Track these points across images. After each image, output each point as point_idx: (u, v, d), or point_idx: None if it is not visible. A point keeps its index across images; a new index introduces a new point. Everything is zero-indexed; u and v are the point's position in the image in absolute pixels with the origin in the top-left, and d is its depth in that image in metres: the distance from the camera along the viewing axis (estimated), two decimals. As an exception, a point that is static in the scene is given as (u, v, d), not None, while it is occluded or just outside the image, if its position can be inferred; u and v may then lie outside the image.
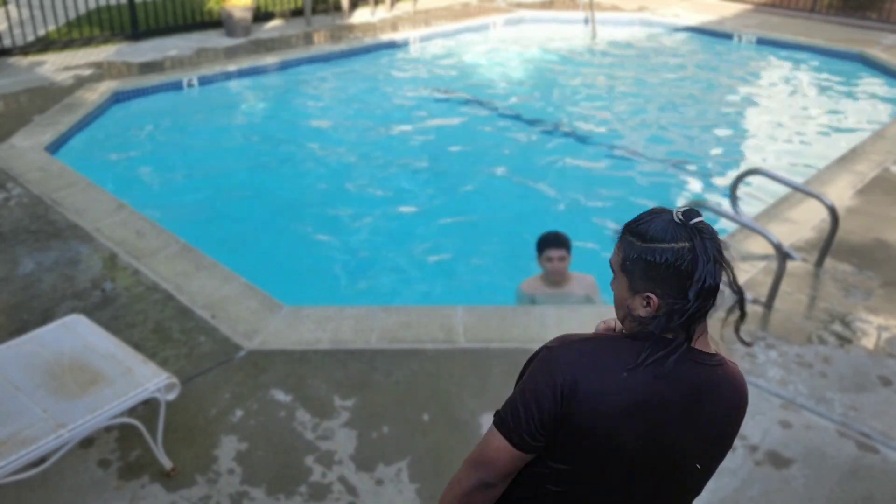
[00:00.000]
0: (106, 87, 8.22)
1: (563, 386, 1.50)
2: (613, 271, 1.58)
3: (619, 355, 1.51)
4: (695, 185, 7.03)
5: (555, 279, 4.54)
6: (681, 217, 1.48)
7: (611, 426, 1.50)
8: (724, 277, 1.49)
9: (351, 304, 4.52)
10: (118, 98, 8.19)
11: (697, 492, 1.69)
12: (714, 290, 1.46)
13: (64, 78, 8.55)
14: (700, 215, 1.50)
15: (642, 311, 1.51)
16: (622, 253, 1.54)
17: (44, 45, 9.73)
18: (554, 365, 1.53)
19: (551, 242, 4.51)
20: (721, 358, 1.58)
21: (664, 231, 1.48)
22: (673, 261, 1.46)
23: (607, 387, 1.49)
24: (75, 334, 3.30)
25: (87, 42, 10.04)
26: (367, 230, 6.08)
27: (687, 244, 1.46)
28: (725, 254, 1.49)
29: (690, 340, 1.49)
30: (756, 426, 3.47)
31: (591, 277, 4.67)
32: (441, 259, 5.71)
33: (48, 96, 7.90)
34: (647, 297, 1.50)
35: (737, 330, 1.58)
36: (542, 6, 13.54)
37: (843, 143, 7.62)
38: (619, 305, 1.59)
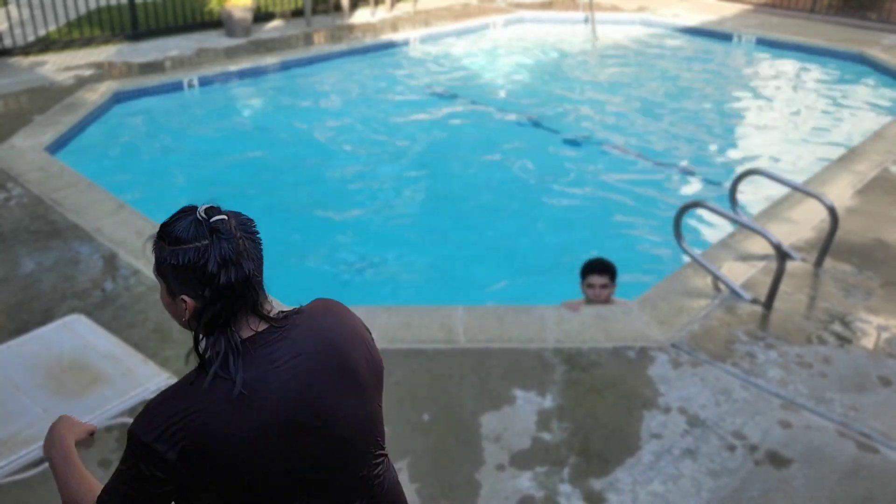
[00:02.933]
0: (106, 88, 8.22)
1: (172, 454, 1.39)
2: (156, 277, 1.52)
3: (194, 393, 1.43)
4: (695, 185, 7.03)
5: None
6: (203, 215, 1.45)
7: (245, 451, 1.42)
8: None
9: (351, 304, 4.52)
10: (118, 98, 8.19)
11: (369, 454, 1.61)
12: (233, 287, 1.42)
13: (64, 78, 8.56)
14: (221, 213, 1.46)
15: (186, 315, 1.46)
16: (155, 256, 1.48)
17: (44, 45, 9.73)
18: (145, 447, 1.41)
19: (595, 268, 4.44)
20: (285, 313, 1.54)
21: (187, 231, 1.43)
22: (196, 261, 1.42)
23: (222, 422, 1.41)
24: (75, 334, 3.30)
25: (88, 42, 10.04)
26: (367, 230, 6.08)
27: (206, 242, 1.42)
28: (249, 252, 1.45)
29: (233, 336, 1.44)
30: (756, 426, 3.47)
31: (633, 304, 4.56)
32: (441, 259, 5.71)
33: (48, 96, 7.91)
34: (182, 299, 1.45)
35: None
36: (542, 6, 13.54)
37: (843, 143, 7.62)
38: (169, 312, 1.53)
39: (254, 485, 1.46)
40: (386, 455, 1.69)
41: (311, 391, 1.49)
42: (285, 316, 1.53)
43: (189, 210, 1.48)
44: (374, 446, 1.63)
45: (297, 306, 1.60)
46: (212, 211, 1.46)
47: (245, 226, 1.49)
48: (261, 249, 1.51)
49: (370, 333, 1.70)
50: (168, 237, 1.45)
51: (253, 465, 1.44)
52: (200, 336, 1.46)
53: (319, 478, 1.54)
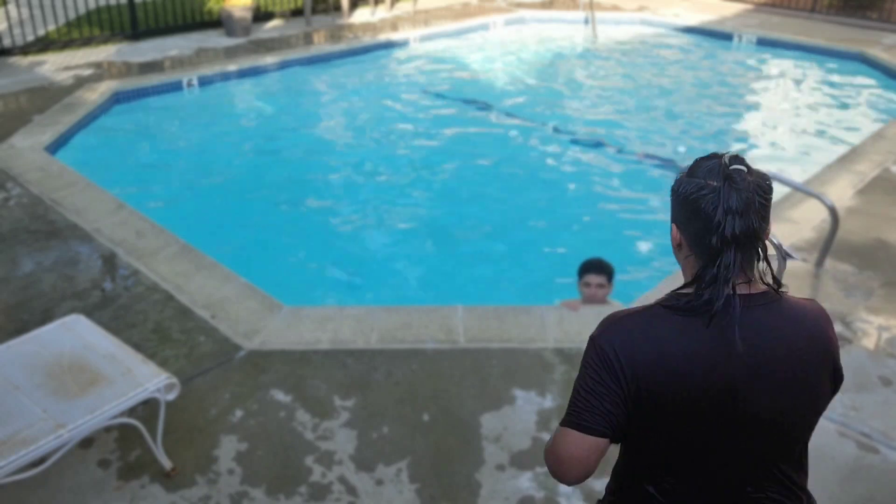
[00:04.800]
0: (106, 87, 8.22)
1: (620, 365, 1.50)
2: None
3: (666, 323, 1.51)
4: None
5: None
6: (725, 161, 1.48)
7: (680, 386, 1.48)
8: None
9: (351, 304, 4.52)
10: (118, 98, 8.19)
11: (790, 450, 1.60)
12: (739, 241, 1.43)
13: (64, 78, 8.55)
14: (743, 163, 1.48)
15: (673, 243, 1.58)
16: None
17: (44, 44, 9.73)
18: (605, 350, 1.53)
19: (592, 268, 4.42)
20: (773, 295, 1.54)
21: (706, 168, 1.49)
22: (694, 194, 1.47)
23: (664, 350, 1.49)
24: (75, 334, 3.30)
25: (87, 42, 10.04)
26: (367, 230, 6.08)
27: (714, 184, 1.46)
28: (758, 210, 1.46)
29: (728, 297, 1.45)
30: (756, 426, 3.47)
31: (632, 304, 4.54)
32: (441, 259, 5.71)
33: (48, 96, 7.90)
34: (672, 226, 1.56)
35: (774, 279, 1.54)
36: (543, 6, 13.54)
37: (843, 143, 7.62)
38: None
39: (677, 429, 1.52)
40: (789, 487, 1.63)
41: (779, 378, 1.51)
42: (763, 303, 1.52)
43: (720, 155, 1.52)
44: (779, 468, 1.60)
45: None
46: (735, 160, 1.48)
47: (761, 186, 1.48)
48: (768, 213, 1.50)
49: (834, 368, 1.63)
50: (691, 168, 1.54)
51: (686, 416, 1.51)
52: (693, 274, 1.51)
53: (721, 458, 1.56)
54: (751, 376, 1.49)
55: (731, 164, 1.47)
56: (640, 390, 1.49)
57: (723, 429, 1.52)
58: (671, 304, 1.52)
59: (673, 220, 1.56)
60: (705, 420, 1.51)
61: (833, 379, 1.62)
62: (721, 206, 1.44)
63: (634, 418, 1.53)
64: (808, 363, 1.54)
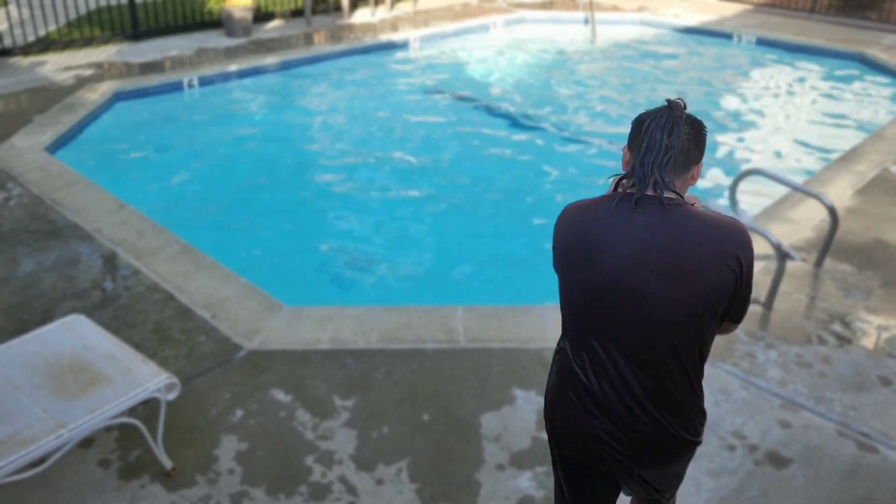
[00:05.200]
0: (106, 88, 8.22)
1: (555, 235, 2.01)
2: None
3: (602, 207, 1.94)
4: (694, 185, 7.03)
5: None
6: (674, 98, 1.93)
7: (588, 251, 1.91)
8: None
9: (351, 304, 4.52)
10: (119, 98, 8.20)
11: (672, 336, 1.89)
12: (660, 146, 1.83)
13: (64, 78, 8.56)
14: (682, 102, 1.92)
15: (624, 166, 2.00)
16: None
17: (44, 45, 9.74)
18: (561, 218, 2.03)
19: None
20: (684, 203, 1.89)
21: (657, 108, 1.90)
22: (642, 116, 1.91)
23: (587, 228, 1.93)
24: (75, 334, 3.30)
25: (88, 42, 10.05)
26: (367, 230, 6.08)
27: (660, 109, 1.88)
28: (682, 134, 1.85)
29: (644, 196, 1.87)
30: (755, 426, 3.47)
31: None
32: (441, 259, 5.71)
33: (48, 96, 7.91)
34: (624, 148, 1.97)
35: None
36: (542, 6, 13.55)
37: (843, 143, 7.62)
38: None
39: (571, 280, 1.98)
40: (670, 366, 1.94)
41: (626, 263, 1.87)
42: (670, 207, 1.86)
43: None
44: (663, 341, 1.90)
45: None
46: (682, 101, 1.93)
47: (695, 122, 1.91)
48: (690, 143, 1.88)
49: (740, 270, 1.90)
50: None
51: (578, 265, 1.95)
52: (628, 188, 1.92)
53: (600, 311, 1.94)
54: (641, 259, 1.84)
55: (675, 100, 1.90)
56: (557, 251, 2.00)
57: (614, 300, 1.89)
58: (611, 195, 1.95)
59: (627, 145, 1.95)
60: (599, 289, 1.90)
61: (735, 287, 1.88)
62: (655, 121, 1.85)
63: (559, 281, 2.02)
64: (696, 260, 1.83)
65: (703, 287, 1.83)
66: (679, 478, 2.20)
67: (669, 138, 1.82)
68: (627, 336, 1.90)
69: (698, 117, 1.93)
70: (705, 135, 1.92)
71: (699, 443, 2.07)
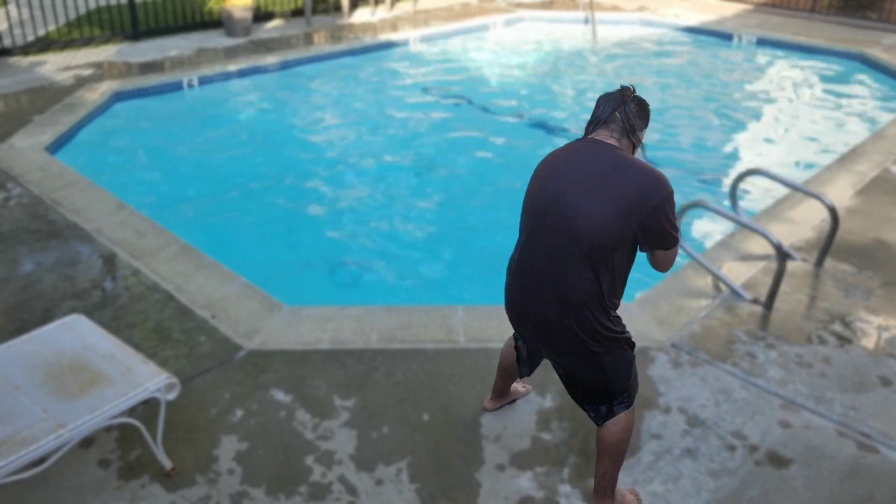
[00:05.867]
0: (106, 87, 8.22)
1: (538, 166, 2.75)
2: None
3: (570, 148, 2.68)
4: (694, 185, 7.03)
5: None
6: (630, 86, 2.66)
7: (536, 181, 2.70)
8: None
9: (351, 304, 4.52)
10: (118, 98, 8.20)
11: (586, 249, 2.50)
12: (605, 108, 2.61)
13: (64, 78, 8.56)
14: (631, 87, 2.65)
15: None
16: None
17: (44, 45, 9.74)
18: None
19: None
20: (617, 147, 2.58)
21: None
22: (600, 96, 2.67)
23: (550, 161, 2.69)
24: (75, 334, 3.30)
25: (88, 42, 10.05)
26: (367, 230, 6.07)
27: (616, 91, 2.64)
28: (624, 108, 2.60)
29: (589, 138, 2.64)
30: (755, 426, 3.47)
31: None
32: (441, 259, 5.71)
33: (48, 96, 7.91)
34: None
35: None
36: (542, 6, 13.55)
37: (843, 143, 7.62)
38: None
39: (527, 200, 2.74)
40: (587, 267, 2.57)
41: (566, 183, 2.56)
42: (609, 147, 2.57)
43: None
44: (585, 247, 2.50)
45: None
46: (632, 87, 2.66)
47: (641, 101, 2.64)
48: (633, 114, 2.60)
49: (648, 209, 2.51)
50: None
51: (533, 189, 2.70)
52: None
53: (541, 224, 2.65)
54: (570, 182, 2.53)
55: (626, 86, 2.65)
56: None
57: (549, 218, 2.57)
58: (579, 138, 2.69)
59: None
60: (542, 208, 2.60)
61: (640, 218, 2.47)
62: (606, 96, 2.64)
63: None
64: (611, 192, 2.45)
65: (615, 209, 2.43)
66: (595, 396, 2.76)
67: (613, 105, 2.58)
68: (554, 237, 2.55)
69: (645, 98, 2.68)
70: (648, 112, 2.65)
71: (596, 353, 2.63)
